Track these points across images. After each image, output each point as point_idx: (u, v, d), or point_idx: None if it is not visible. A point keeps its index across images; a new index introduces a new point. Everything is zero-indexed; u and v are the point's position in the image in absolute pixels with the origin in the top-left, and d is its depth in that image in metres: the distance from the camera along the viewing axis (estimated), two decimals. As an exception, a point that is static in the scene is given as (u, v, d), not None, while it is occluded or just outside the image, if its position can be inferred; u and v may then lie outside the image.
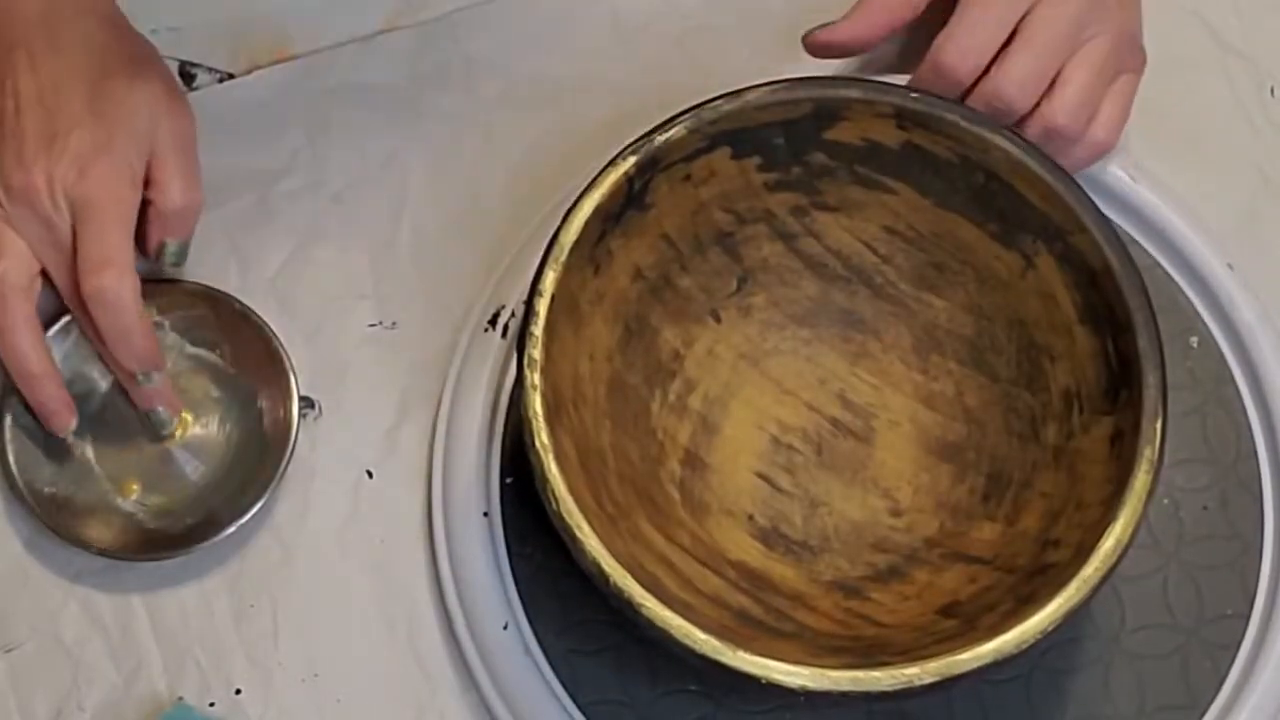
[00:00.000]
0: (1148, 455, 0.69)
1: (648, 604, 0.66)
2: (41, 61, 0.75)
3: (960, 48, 0.74)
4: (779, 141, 0.74)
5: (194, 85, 0.84)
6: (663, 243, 0.75)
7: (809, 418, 0.78)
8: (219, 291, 0.80)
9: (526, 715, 0.76)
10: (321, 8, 0.84)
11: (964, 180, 0.74)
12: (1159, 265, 0.81)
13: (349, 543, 0.79)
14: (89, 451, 0.79)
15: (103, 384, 0.79)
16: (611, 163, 0.71)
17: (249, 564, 0.78)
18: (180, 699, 0.76)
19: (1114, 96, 0.76)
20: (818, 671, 0.66)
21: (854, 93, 0.72)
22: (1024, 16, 0.74)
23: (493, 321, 0.78)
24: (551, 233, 0.70)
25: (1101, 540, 0.67)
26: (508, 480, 0.78)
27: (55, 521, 0.77)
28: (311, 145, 0.83)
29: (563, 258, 0.69)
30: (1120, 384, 0.71)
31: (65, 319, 0.78)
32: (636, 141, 0.71)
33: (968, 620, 0.70)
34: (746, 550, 0.76)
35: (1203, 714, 0.76)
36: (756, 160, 0.74)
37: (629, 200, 0.72)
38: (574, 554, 0.67)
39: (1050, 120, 0.75)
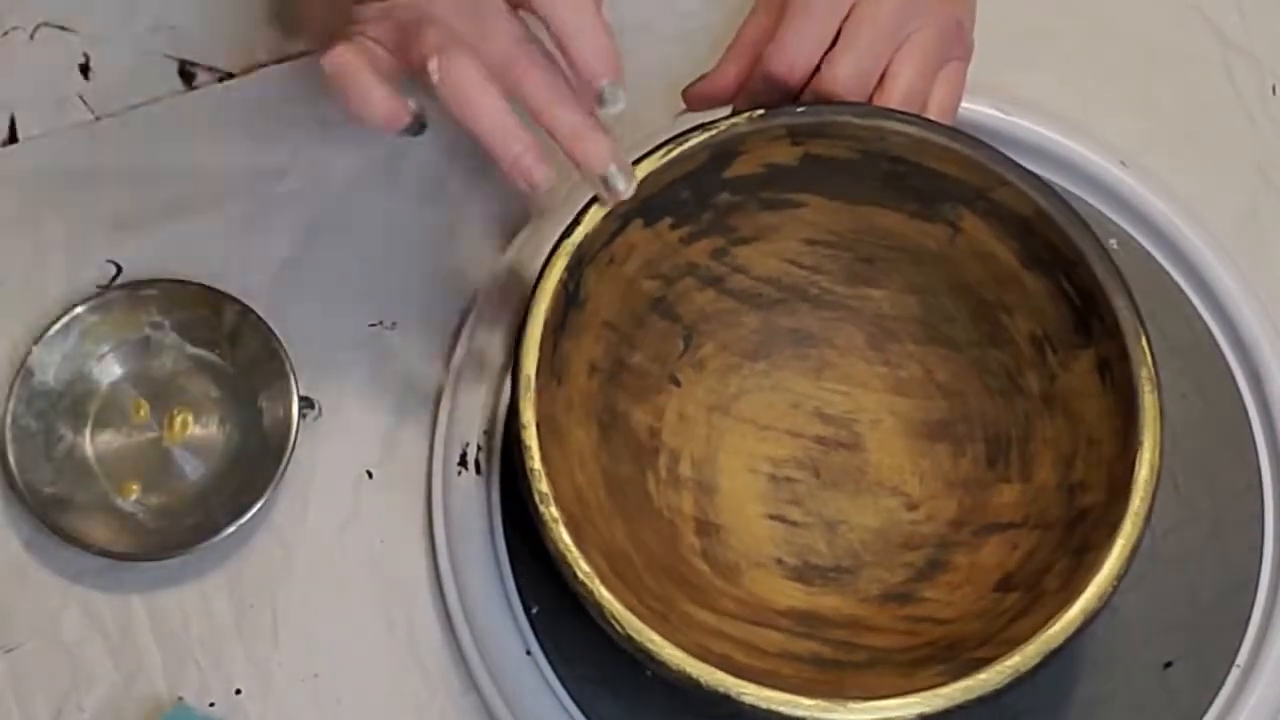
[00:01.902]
0: (1145, 375, 0.69)
1: (748, 691, 0.66)
2: None
3: (788, 58, 0.74)
4: (685, 196, 0.74)
5: (194, 85, 0.84)
6: (606, 330, 0.75)
7: (795, 445, 0.78)
8: (219, 291, 0.80)
9: (527, 715, 0.76)
10: (321, 8, 0.84)
11: (869, 173, 0.74)
12: (1159, 265, 0.81)
13: (349, 543, 0.79)
14: (89, 451, 0.79)
15: (103, 383, 0.79)
16: (543, 272, 0.70)
17: (249, 564, 0.78)
18: (180, 699, 0.77)
19: (943, 83, 0.77)
20: (927, 695, 0.65)
21: (744, 126, 0.73)
22: (847, 17, 0.75)
23: (462, 461, 0.78)
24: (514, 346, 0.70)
25: (1135, 471, 0.68)
26: (507, 483, 0.78)
27: (55, 521, 0.77)
28: (311, 145, 0.83)
29: (531, 388, 0.69)
30: (1088, 316, 0.72)
31: (65, 319, 0.78)
32: (559, 242, 0.71)
33: (1029, 588, 0.70)
34: (789, 594, 0.76)
35: (1202, 714, 0.75)
36: (668, 221, 0.75)
37: (568, 303, 0.72)
38: (653, 668, 0.67)
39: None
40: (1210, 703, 0.76)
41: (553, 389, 0.71)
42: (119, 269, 0.81)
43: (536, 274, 0.70)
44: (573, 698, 0.76)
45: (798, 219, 0.76)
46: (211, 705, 0.77)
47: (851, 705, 0.65)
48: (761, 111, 0.73)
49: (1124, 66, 0.85)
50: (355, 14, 0.71)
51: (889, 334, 0.78)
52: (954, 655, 0.69)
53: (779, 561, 0.76)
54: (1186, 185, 0.82)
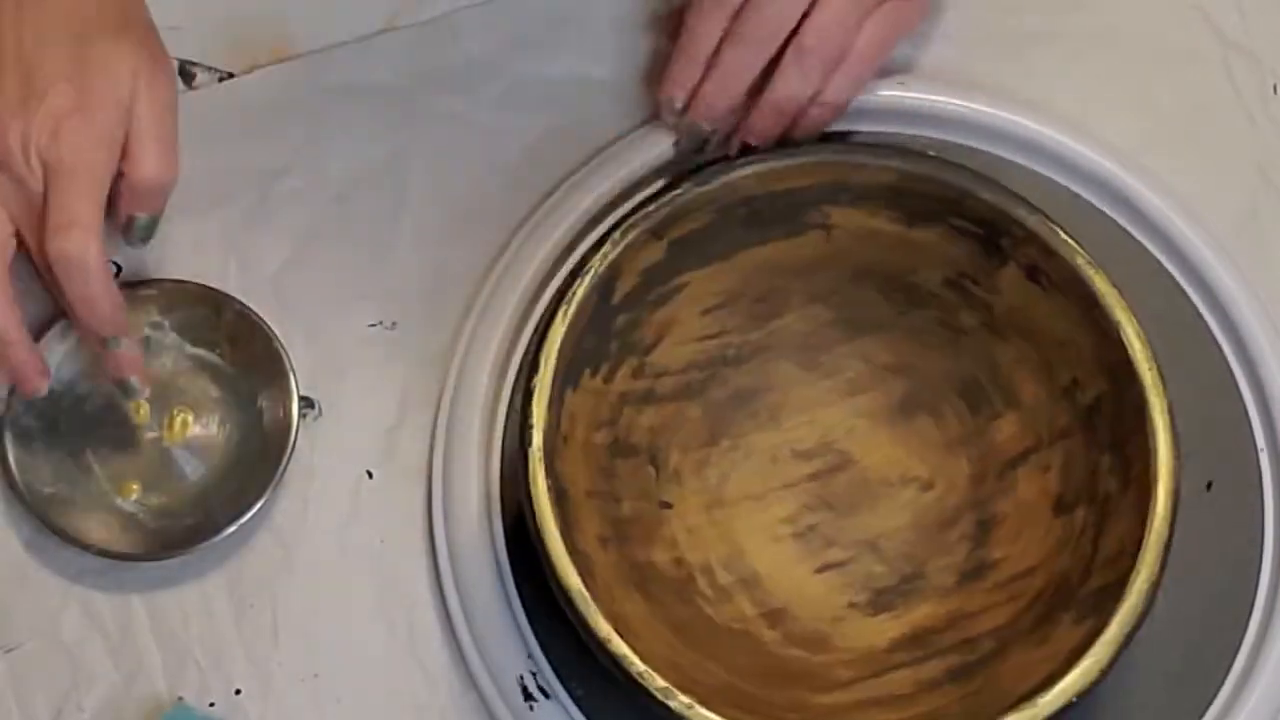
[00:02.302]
0: (1081, 262, 0.71)
1: None
2: (28, 14, 0.73)
3: (706, 100, 0.78)
4: (590, 342, 0.74)
5: (194, 85, 0.84)
6: (591, 500, 0.75)
7: (796, 494, 0.79)
8: (219, 291, 0.80)
9: (527, 716, 0.76)
10: (321, 8, 0.84)
11: (730, 224, 0.75)
12: (1159, 265, 0.80)
13: (349, 543, 0.79)
14: (89, 451, 0.79)
15: (104, 383, 0.79)
16: (531, 492, 0.70)
17: (249, 564, 0.78)
18: (180, 699, 0.77)
19: (873, 22, 0.78)
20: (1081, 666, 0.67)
21: (613, 251, 0.73)
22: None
23: (526, 695, 0.77)
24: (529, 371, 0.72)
25: (1128, 347, 0.70)
26: (507, 481, 0.78)
27: (55, 521, 0.77)
28: (311, 145, 0.83)
29: (588, 601, 0.69)
30: (995, 238, 0.73)
31: (65, 319, 0.78)
32: (526, 464, 0.71)
33: (1090, 499, 0.72)
34: (883, 628, 0.76)
35: (1202, 714, 0.75)
36: (588, 372, 0.75)
37: (559, 501, 0.71)
38: None
39: (800, 40, 0.77)
40: (1210, 703, 0.76)
41: (590, 583, 0.70)
42: (119, 269, 0.81)
43: (526, 472, 0.71)
44: (573, 697, 0.76)
45: (686, 300, 0.77)
46: (211, 705, 0.77)
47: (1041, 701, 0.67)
48: (619, 228, 0.73)
49: (1124, 66, 0.85)
50: None
51: (815, 348, 0.79)
52: (1069, 596, 0.70)
53: (852, 605, 0.77)
54: (1186, 185, 0.82)
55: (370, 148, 0.83)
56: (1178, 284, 0.80)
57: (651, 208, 0.74)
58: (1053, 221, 0.72)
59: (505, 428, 0.79)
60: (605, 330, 0.74)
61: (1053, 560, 0.73)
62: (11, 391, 0.77)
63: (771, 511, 0.78)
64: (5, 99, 0.72)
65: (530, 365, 0.71)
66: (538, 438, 0.70)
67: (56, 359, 0.78)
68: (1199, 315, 0.80)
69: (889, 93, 0.81)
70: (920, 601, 0.77)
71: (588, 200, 0.80)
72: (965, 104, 0.82)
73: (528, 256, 0.80)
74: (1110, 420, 0.72)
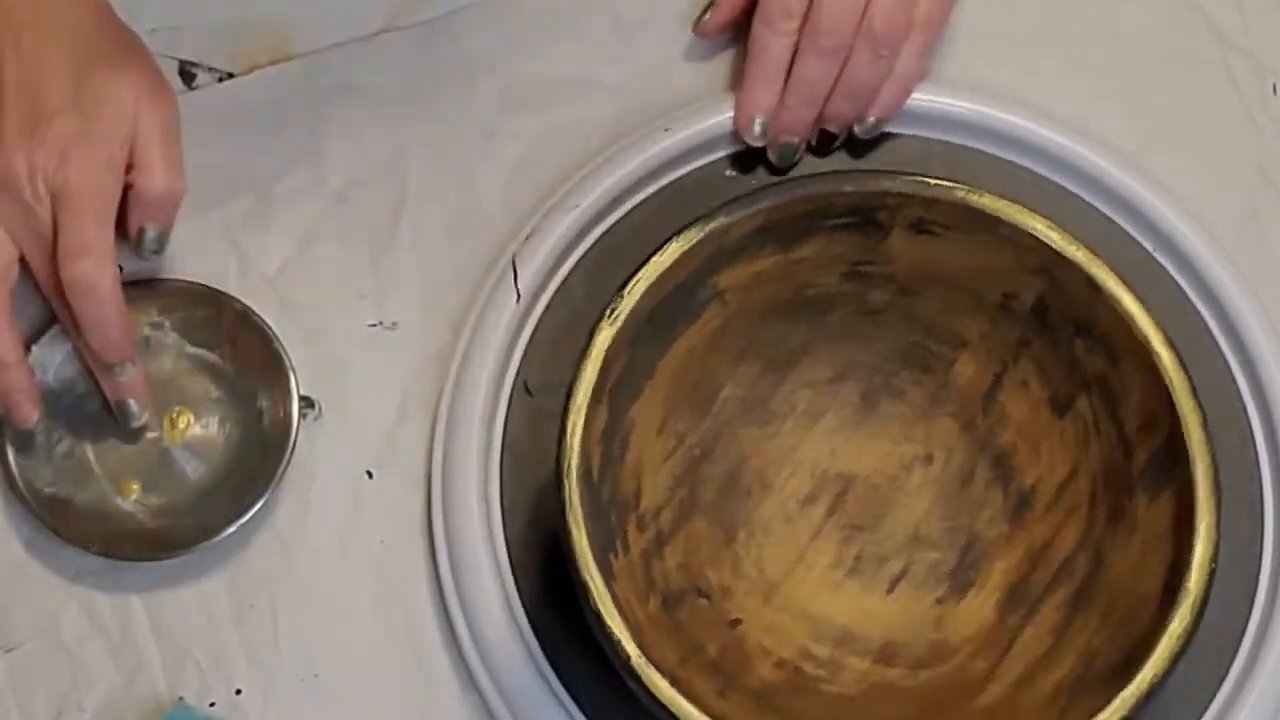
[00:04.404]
0: (962, 195, 0.72)
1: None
2: (27, 46, 0.74)
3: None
4: (599, 531, 0.73)
5: (194, 85, 0.84)
6: (690, 667, 0.73)
7: (826, 535, 0.79)
8: (219, 291, 0.80)
9: (527, 715, 0.76)
10: (321, 8, 0.84)
11: (641, 342, 0.75)
12: (1159, 265, 0.80)
13: (349, 543, 0.79)
14: (89, 451, 0.79)
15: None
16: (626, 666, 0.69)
17: (249, 564, 0.78)
18: (180, 699, 0.77)
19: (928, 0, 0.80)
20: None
21: (573, 439, 0.71)
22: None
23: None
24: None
25: (1058, 253, 0.71)
26: (507, 480, 0.78)
27: (55, 521, 0.77)
28: (312, 145, 0.83)
29: None
30: (870, 218, 0.74)
31: (65, 319, 0.79)
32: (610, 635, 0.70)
33: (1086, 385, 0.73)
34: (983, 602, 0.77)
35: (1202, 714, 0.75)
36: (612, 558, 0.73)
37: (674, 684, 0.70)
38: None
39: (869, 27, 0.78)
40: (1210, 703, 0.76)
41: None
42: (119, 269, 0.81)
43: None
44: (573, 697, 0.76)
45: (640, 435, 0.76)
46: (212, 705, 0.77)
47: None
48: (568, 416, 0.71)
49: (1124, 66, 0.85)
50: None
51: (760, 401, 0.79)
52: (1127, 479, 0.72)
53: (939, 601, 0.77)
54: (1186, 185, 0.82)
55: (370, 148, 0.83)
56: (1178, 284, 0.80)
57: (585, 374, 0.71)
58: (911, 174, 0.73)
59: (505, 428, 0.79)
60: (601, 513, 0.73)
61: (1085, 456, 0.74)
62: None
63: (817, 565, 0.78)
64: (10, 128, 0.73)
65: (581, 588, 0.69)
66: (633, 648, 0.68)
67: (57, 359, 0.78)
68: (1199, 315, 0.80)
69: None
70: (992, 560, 0.77)
71: (588, 200, 0.80)
72: (965, 105, 0.82)
73: (528, 256, 0.80)
74: (1062, 310, 0.73)
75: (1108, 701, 0.67)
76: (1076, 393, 0.75)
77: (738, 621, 0.76)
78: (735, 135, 0.81)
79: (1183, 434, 0.70)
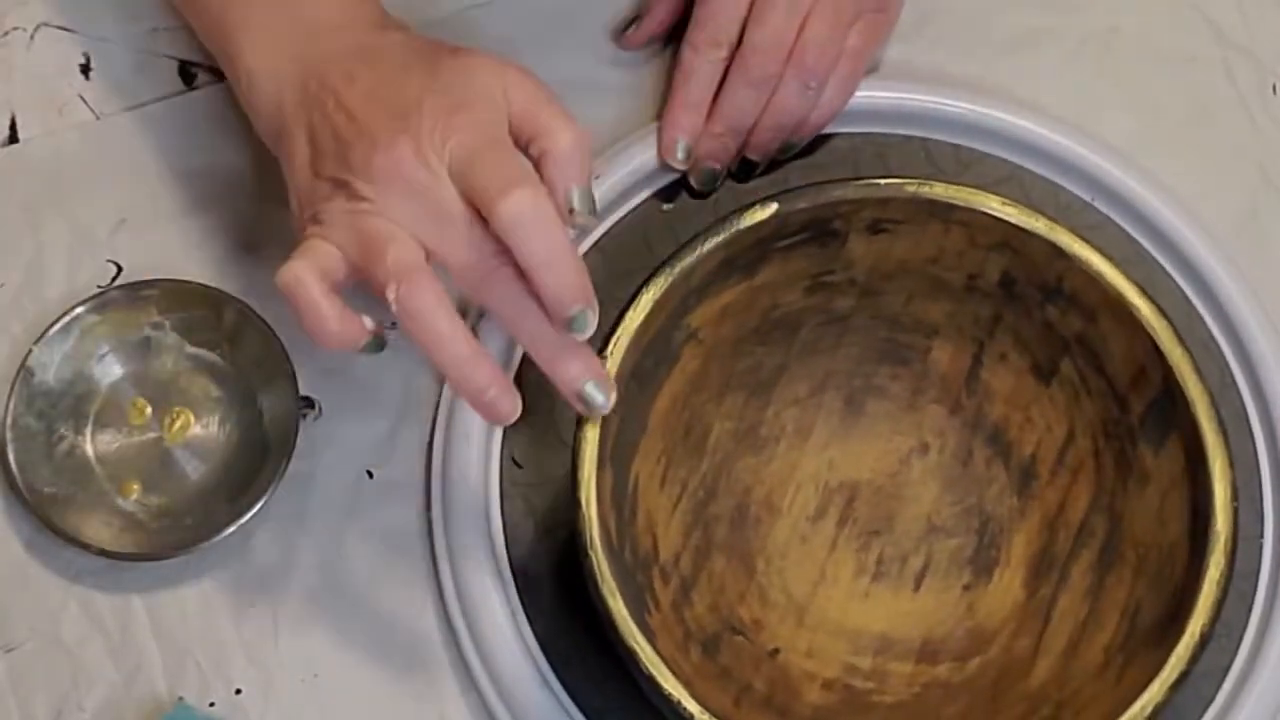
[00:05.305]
0: (912, 190, 0.72)
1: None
2: (359, 73, 0.70)
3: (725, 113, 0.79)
4: (630, 592, 0.72)
5: (194, 85, 0.84)
6: (745, 707, 0.73)
7: (843, 547, 0.79)
8: (219, 291, 0.80)
9: (526, 715, 0.76)
10: (322, 7, 0.84)
11: (628, 401, 0.73)
12: (1159, 265, 0.80)
13: (349, 543, 0.79)
14: (89, 451, 0.79)
15: (103, 384, 0.79)
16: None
17: (249, 564, 0.78)
18: (180, 699, 0.77)
19: (855, 34, 0.79)
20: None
21: (587, 509, 0.70)
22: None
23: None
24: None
25: (1018, 227, 0.71)
26: (507, 480, 0.78)
27: (55, 521, 0.77)
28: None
29: None
30: (825, 229, 0.74)
31: (65, 319, 0.78)
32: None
33: (1066, 347, 0.73)
34: (1010, 579, 0.77)
35: (1202, 714, 0.75)
36: (646, 616, 0.73)
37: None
38: None
39: (800, 59, 0.78)
40: (1210, 703, 0.76)
41: None
42: (119, 269, 0.81)
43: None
44: (572, 696, 0.76)
45: (645, 489, 0.76)
46: (211, 705, 0.77)
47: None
48: (579, 504, 0.70)
49: (1124, 66, 0.85)
50: (319, 211, 0.69)
51: (751, 429, 0.79)
52: (1127, 431, 0.73)
53: (967, 588, 0.78)
54: (1186, 185, 0.82)
55: (370, 148, 0.83)
56: (1177, 284, 0.80)
57: (587, 440, 0.70)
58: (860, 180, 0.72)
59: (505, 428, 0.79)
60: (627, 575, 0.72)
61: (1079, 416, 0.75)
62: (12, 391, 0.77)
63: (841, 577, 0.78)
64: (379, 129, 0.68)
65: (629, 654, 0.68)
66: (694, 705, 0.67)
67: (57, 359, 0.78)
68: (1199, 315, 0.80)
69: (889, 95, 0.82)
70: (1010, 536, 0.77)
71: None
72: (965, 105, 0.82)
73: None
74: (1029, 280, 0.73)
75: (1163, 659, 0.67)
76: (1058, 356, 0.75)
77: (777, 651, 0.76)
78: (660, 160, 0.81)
79: (1177, 380, 0.70)
